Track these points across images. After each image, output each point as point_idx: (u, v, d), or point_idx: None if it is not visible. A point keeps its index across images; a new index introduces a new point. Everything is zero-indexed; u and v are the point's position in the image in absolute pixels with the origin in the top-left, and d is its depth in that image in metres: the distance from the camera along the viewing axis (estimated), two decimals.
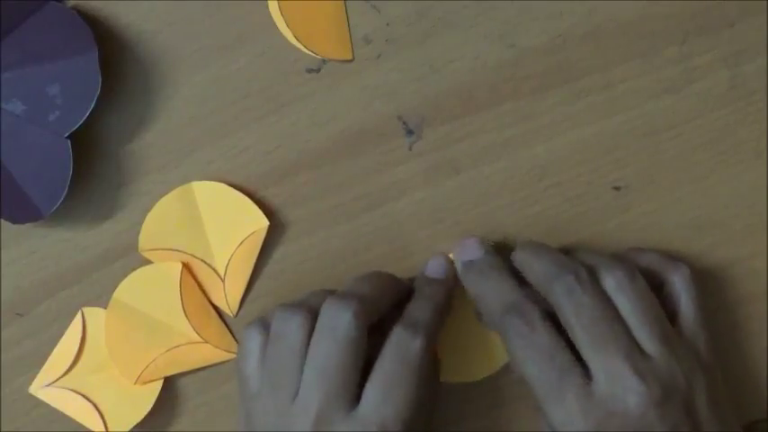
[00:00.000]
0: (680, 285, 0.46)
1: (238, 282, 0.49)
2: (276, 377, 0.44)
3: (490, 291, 0.46)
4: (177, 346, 0.49)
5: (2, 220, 0.48)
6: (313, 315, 0.44)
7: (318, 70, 0.48)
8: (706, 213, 0.50)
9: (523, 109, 0.49)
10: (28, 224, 0.47)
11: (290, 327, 0.44)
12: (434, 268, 0.48)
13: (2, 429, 0.50)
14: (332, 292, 0.45)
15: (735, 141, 0.49)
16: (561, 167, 0.49)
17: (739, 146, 0.49)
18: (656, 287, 0.46)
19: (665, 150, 0.49)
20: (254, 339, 0.45)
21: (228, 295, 0.49)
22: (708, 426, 0.43)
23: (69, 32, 0.45)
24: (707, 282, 0.50)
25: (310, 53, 0.48)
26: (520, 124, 0.49)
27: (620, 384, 0.42)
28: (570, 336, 0.44)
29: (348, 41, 0.48)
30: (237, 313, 0.49)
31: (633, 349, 0.43)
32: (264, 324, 0.45)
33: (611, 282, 0.44)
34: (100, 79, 0.45)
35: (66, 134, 0.45)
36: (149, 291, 0.48)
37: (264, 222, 0.48)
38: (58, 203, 0.46)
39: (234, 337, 0.50)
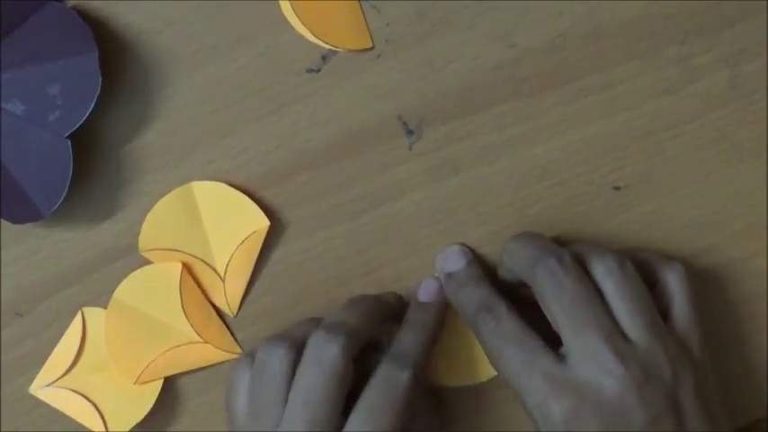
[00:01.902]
0: (674, 283, 0.45)
1: (238, 282, 0.49)
2: (259, 407, 0.44)
3: (466, 298, 0.46)
4: (177, 346, 0.49)
5: (2, 220, 0.48)
6: (297, 346, 0.44)
7: (318, 70, 0.48)
8: (706, 213, 0.50)
9: (523, 109, 0.49)
10: (28, 224, 0.47)
11: (274, 358, 0.44)
12: (426, 292, 0.48)
13: (2, 429, 0.50)
14: (318, 321, 0.45)
15: (735, 141, 0.49)
16: (561, 167, 0.49)
17: (739, 146, 0.49)
18: (649, 284, 0.45)
19: (665, 150, 0.49)
20: (242, 374, 0.45)
21: (228, 295, 0.49)
22: (694, 423, 0.42)
23: (69, 32, 0.45)
24: (707, 282, 0.50)
25: (329, 47, 0.47)
26: (520, 124, 0.49)
27: (597, 366, 0.42)
28: (551, 321, 0.44)
29: (366, 30, 0.48)
30: (237, 313, 0.49)
31: (615, 333, 0.42)
32: (252, 358, 0.45)
33: (600, 267, 0.44)
34: (100, 79, 0.45)
35: (67, 134, 0.45)
36: (149, 291, 0.48)
37: (265, 222, 0.48)
38: (58, 203, 0.46)
39: (234, 337, 0.50)
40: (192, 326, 0.48)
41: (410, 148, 0.49)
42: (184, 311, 0.48)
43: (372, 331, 0.46)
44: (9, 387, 0.49)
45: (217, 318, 0.49)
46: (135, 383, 0.49)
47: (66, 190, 0.46)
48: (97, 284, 0.49)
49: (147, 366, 0.48)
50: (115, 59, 0.47)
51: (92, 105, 0.45)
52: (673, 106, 0.49)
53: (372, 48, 0.48)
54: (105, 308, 0.49)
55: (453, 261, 0.48)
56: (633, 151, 0.49)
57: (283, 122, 0.48)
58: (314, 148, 0.49)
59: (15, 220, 0.47)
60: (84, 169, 0.48)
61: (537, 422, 0.43)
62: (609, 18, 0.48)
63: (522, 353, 0.43)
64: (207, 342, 0.49)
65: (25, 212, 0.46)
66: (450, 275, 0.48)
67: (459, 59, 0.48)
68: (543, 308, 0.44)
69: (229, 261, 0.49)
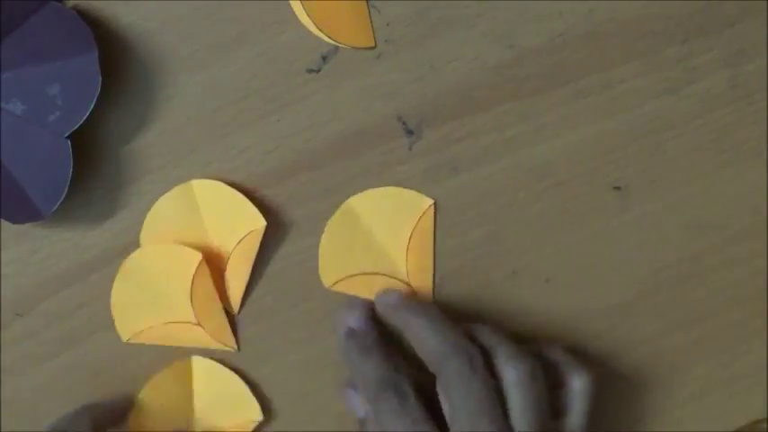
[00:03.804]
0: (577, 397, 0.46)
1: (238, 281, 0.49)
2: None
3: (370, 370, 0.45)
4: (176, 322, 0.48)
5: (2, 220, 0.48)
6: None
7: (318, 70, 0.48)
8: (706, 213, 0.50)
9: (523, 109, 0.49)
10: (28, 224, 0.47)
11: None
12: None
13: (2, 429, 0.50)
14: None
15: (735, 141, 0.49)
16: (561, 167, 0.49)
17: (739, 146, 0.49)
18: (554, 379, 0.46)
19: (665, 150, 0.49)
20: None
21: (228, 294, 0.49)
22: None
23: (69, 32, 0.45)
24: (707, 281, 0.50)
25: (333, 43, 0.47)
26: (520, 124, 0.49)
27: None
28: (447, 410, 0.44)
29: (370, 29, 0.48)
30: (239, 312, 0.49)
31: None
32: None
33: (512, 375, 0.44)
34: (100, 79, 0.45)
35: (67, 134, 0.45)
36: (163, 267, 0.48)
37: (261, 223, 0.48)
38: (58, 203, 0.46)
39: (233, 333, 0.49)
40: (193, 309, 0.48)
41: (410, 148, 0.49)
42: (191, 295, 0.48)
43: None
44: (9, 387, 0.49)
45: (221, 311, 0.49)
46: (127, 341, 0.49)
47: (66, 190, 0.46)
48: (97, 284, 0.49)
49: (142, 330, 0.48)
50: (115, 59, 0.47)
51: (92, 105, 0.45)
52: (673, 106, 0.49)
53: (373, 47, 0.48)
54: (105, 307, 0.49)
55: (353, 316, 0.47)
56: (633, 151, 0.49)
57: (283, 122, 0.48)
58: (314, 148, 0.49)
59: (15, 220, 0.47)
60: (84, 169, 0.48)
61: None
62: (609, 18, 0.48)
63: None
64: (203, 327, 0.49)
65: (25, 212, 0.46)
66: (350, 334, 0.47)
67: (459, 59, 0.48)
68: (442, 398, 0.44)
69: (228, 261, 0.49)
